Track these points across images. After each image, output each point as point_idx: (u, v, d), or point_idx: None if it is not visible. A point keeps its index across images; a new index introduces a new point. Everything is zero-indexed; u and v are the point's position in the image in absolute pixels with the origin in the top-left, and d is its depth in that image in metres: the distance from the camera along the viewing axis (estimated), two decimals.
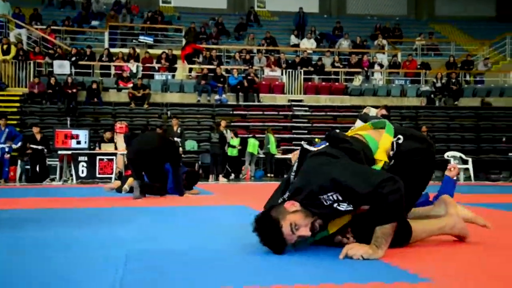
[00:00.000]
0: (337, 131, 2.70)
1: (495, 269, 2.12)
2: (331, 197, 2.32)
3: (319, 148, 2.53)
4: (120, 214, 4.60)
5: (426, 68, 19.06)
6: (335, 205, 2.34)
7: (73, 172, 11.95)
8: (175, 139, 12.06)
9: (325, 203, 2.35)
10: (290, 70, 17.86)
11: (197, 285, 1.79)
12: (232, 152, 13.89)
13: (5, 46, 16.51)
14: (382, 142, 2.57)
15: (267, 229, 2.40)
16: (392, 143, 2.57)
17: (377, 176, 2.30)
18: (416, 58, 19.85)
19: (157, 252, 2.51)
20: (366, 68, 18.55)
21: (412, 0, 27.33)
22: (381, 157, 2.53)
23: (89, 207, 5.37)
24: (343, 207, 2.33)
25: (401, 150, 2.56)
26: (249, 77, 16.76)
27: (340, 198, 2.31)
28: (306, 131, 16.08)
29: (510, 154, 13.70)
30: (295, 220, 2.39)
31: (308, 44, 20.26)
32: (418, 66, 19.21)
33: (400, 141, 2.56)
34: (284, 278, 1.87)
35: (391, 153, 2.56)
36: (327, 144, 2.54)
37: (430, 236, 2.61)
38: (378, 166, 2.51)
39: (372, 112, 9.16)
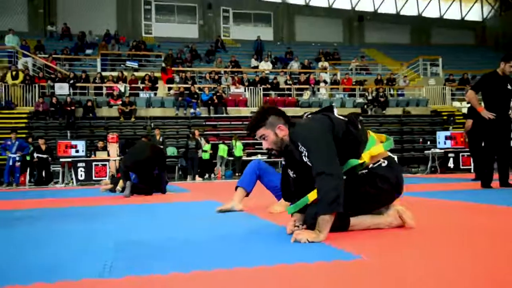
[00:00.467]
0: (360, 118, 2.67)
1: (419, 247, 2.15)
2: (302, 148, 2.39)
3: (338, 116, 2.56)
4: (111, 211, 4.51)
5: (360, 84, 19.43)
6: (302, 154, 2.40)
7: (73, 176, 11.69)
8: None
9: (298, 147, 2.41)
10: (252, 87, 17.91)
11: (171, 267, 1.77)
12: (205, 156, 13.84)
13: (14, 73, 16.10)
14: (373, 148, 2.51)
15: (255, 116, 2.55)
16: (378, 161, 2.50)
17: (326, 166, 2.27)
18: (351, 76, 20.21)
19: (141, 242, 2.46)
20: (312, 85, 18.77)
21: (347, 30, 27.87)
22: (365, 157, 2.47)
23: (86, 205, 5.25)
24: (305, 159, 2.40)
25: (377, 170, 2.49)
26: (218, 94, 16.73)
27: (306, 153, 2.37)
28: None
29: (425, 152, 14.10)
30: (268, 136, 2.50)
31: (265, 66, 20.37)
32: (354, 83, 19.55)
33: (383, 165, 2.50)
34: (245, 261, 1.86)
35: (371, 165, 2.49)
36: (346, 118, 2.55)
37: (366, 229, 2.52)
38: (356, 161, 2.45)
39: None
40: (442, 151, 12.73)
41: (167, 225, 3.26)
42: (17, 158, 12.06)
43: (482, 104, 6.01)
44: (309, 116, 2.63)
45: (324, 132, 2.41)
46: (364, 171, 2.49)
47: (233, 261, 1.86)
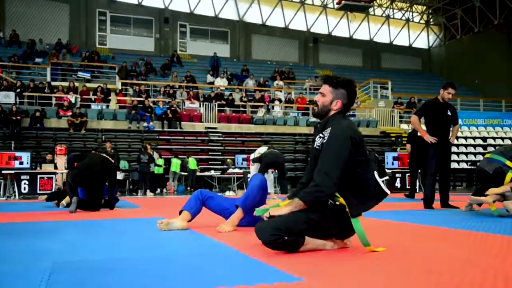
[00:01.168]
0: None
1: (361, 269, 2.18)
2: (326, 134, 2.55)
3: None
4: (53, 227, 4.29)
5: (314, 104, 19.77)
6: (323, 138, 2.56)
7: (15, 189, 11.10)
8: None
9: (324, 131, 2.58)
10: (207, 103, 17.85)
11: None
12: (158, 170, 13.60)
13: None
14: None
15: (339, 78, 2.72)
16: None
17: (332, 171, 2.42)
18: (305, 96, 20.57)
19: (80, 263, 2.36)
20: (267, 103, 18.97)
21: (302, 51, 28.53)
22: (341, 200, 2.52)
23: (26, 221, 4.98)
24: (318, 142, 2.59)
25: (339, 211, 2.53)
26: (172, 108, 16.56)
27: (325, 141, 2.52)
28: (220, 153, 16.09)
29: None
30: (325, 97, 2.71)
31: (221, 82, 20.41)
32: (307, 102, 19.91)
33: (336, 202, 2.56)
34: (185, 283, 1.83)
35: (338, 203, 2.52)
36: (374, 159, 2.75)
37: (314, 250, 2.56)
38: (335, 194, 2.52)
39: (263, 149, 9.48)
40: (390, 171, 13.14)
41: (111, 244, 3.14)
42: None
43: (424, 128, 6.31)
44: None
45: (354, 139, 2.53)
46: (331, 201, 2.53)
47: (171, 284, 1.82)
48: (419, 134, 9.25)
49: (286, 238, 2.39)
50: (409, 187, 12.59)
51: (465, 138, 18.98)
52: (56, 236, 3.62)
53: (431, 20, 31.74)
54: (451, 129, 6.32)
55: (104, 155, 6.94)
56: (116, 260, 2.47)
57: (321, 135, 2.60)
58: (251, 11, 27.37)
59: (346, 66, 28.21)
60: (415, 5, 30.88)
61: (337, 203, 2.53)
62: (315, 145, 2.62)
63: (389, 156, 13.51)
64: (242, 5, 27.28)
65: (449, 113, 6.13)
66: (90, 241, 3.33)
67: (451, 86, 6.07)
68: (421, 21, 31.84)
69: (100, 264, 2.33)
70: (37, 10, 23.24)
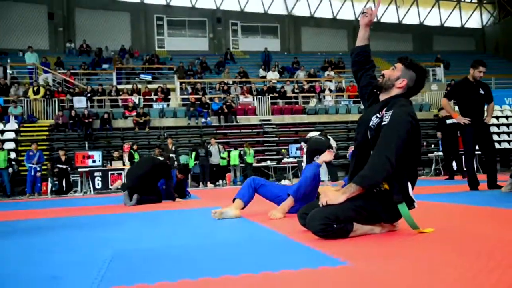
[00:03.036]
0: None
1: (407, 253, 2.09)
2: (387, 116, 2.39)
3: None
4: (118, 219, 4.48)
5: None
6: (382, 119, 2.41)
7: (91, 185, 11.76)
8: (171, 155, 11.97)
9: (384, 111, 2.43)
10: (260, 96, 17.89)
11: (161, 277, 1.73)
12: (223, 162, 13.84)
13: (35, 88, 16.30)
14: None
15: (413, 62, 2.66)
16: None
17: (392, 154, 2.26)
18: (356, 84, 19.91)
19: (137, 251, 2.42)
20: (318, 93, 18.67)
21: (351, 40, 27.68)
22: (385, 185, 2.40)
23: (98, 214, 5.25)
24: (374, 122, 2.44)
25: (384, 197, 2.44)
26: (227, 103, 16.75)
27: (383, 120, 2.38)
28: (274, 144, 16.10)
29: (429, 155, 13.91)
30: (395, 71, 2.60)
31: (273, 76, 20.33)
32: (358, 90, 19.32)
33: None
34: (231, 269, 1.81)
35: (384, 188, 2.41)
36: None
37: (363, 235, 2.47)
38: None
39: (311, 134, 9.38)
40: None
41: (168, 233, 3.23)
42: (38, 168, 12.19)
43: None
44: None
45: (412, 126, 2.37)
46: (376, 187, 2.41)
47: (219, 269, 1.81)
48: (448, 121, 9.37)
49: (335, 225, 2.32)
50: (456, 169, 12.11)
51: None
52: (119, 227, 3.77)
53: None
54: (485, 109, 5.94)
55: (153, 156, 7.13)
56: (171, 247, 2.52)
57: (378, 115, 2.45)
58: (299, 5, 26.97)
59: (396, 52, 27.04)
60: None
61: (382, 188, 2.41)
62: (370, 124, 2.46)
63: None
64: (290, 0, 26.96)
65: (481, 91, 5.79)
66: (149, 231, 3.43)
67: (481, 64, 5.76)
68: (473, 0, 29.85)
69: (155, 252, 2.37)
70: (102, 20, 24.32)
